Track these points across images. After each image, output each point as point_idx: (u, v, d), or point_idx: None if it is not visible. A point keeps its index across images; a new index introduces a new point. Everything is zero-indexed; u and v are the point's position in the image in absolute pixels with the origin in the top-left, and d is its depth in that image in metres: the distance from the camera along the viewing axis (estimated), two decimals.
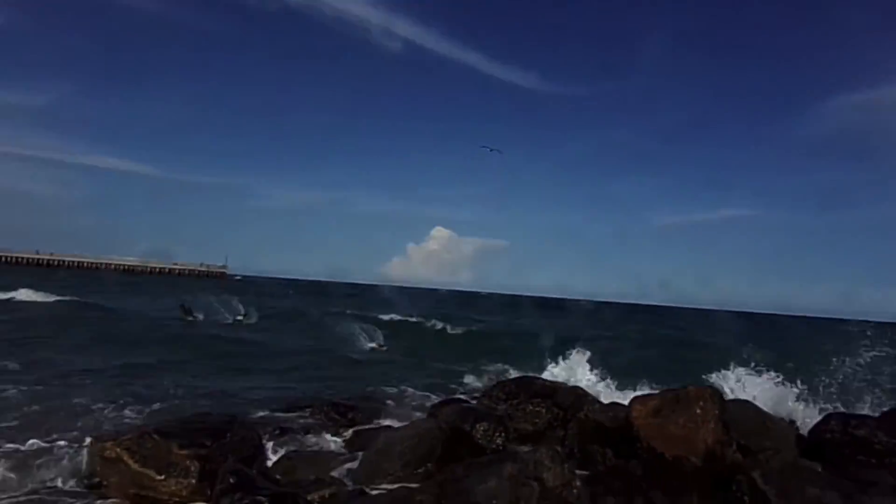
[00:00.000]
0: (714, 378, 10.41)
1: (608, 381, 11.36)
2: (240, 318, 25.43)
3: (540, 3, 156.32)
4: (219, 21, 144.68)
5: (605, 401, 8.86)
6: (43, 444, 6.86)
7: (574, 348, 12.08)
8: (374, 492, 5.38)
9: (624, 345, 24.22)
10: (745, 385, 9.92)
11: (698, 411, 6.08)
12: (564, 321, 38.79)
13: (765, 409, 7.82)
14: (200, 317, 24.13)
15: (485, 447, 7.18)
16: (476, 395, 10.47)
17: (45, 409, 8.32)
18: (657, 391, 7.13)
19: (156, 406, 9.00)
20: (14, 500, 5.32)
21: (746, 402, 8.03)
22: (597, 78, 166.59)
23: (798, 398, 9.25)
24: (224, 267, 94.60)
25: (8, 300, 24.41)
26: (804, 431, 7.93)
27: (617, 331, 33.41)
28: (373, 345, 19.60)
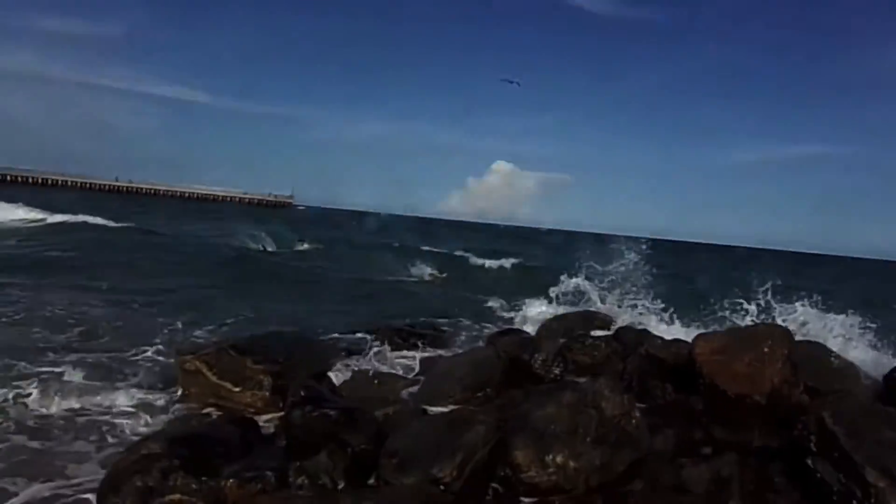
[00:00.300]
0: (781, 319, 10.07)
1: (666, 317, 11.18)
2: (302, 246, 26.23)
3: None
4: None
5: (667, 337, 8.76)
6: (129, 356, 7.43)
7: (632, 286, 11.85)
8: (435, 411, 5.60)
9: (685, 284, 23.69)
10: (816, 326, 9.55)
11: (766, 350, 5.92)
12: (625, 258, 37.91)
13: (836, 351, 7.54)
14: (266, 246, 25.00)
15: (542, 377, 7.29)
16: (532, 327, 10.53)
17: (128, 325, 8.94)
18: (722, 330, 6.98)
19: (228, 324, 9.52)
20: (106, 405, 5.82)
21: (817, 343, 7.76)
22: (671, 3, 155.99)
23: (874, 343, 8.85)
24: (290, 197, 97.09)
25: (83, 223, 25.72)
26: (879, 377, 7.63)
27: (678, 269, 32.62)
28: (428, 277, 19.99)
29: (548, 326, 9.92)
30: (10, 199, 29.61)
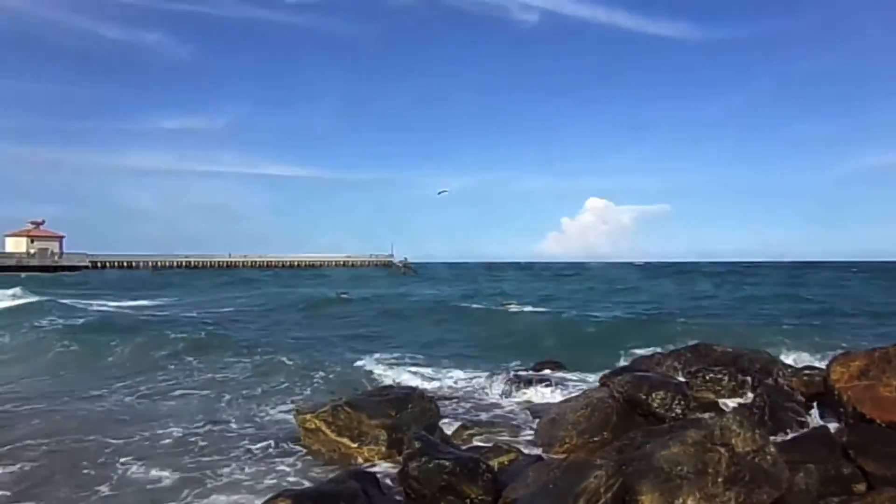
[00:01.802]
0: None
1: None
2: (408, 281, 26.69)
3: None
4: (354, 24, 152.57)
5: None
6: (257, 412, 7.87)
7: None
8: (551, 458, 5.46)
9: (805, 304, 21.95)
10: None
11: None
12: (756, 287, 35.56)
13: None
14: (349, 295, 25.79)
15: (662, 416, 6.93)
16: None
17: (251, 381, 9.47)
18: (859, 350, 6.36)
19: (334, 375, 9.86)
20: (242, 456, 6.17)
21: None
22: (753, 18, 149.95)
23: None
24: (391, 256, 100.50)
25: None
26: None
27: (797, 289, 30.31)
28: (527, 319, 19.71)
29: (662, 362, 9.46)
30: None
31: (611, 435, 6.16)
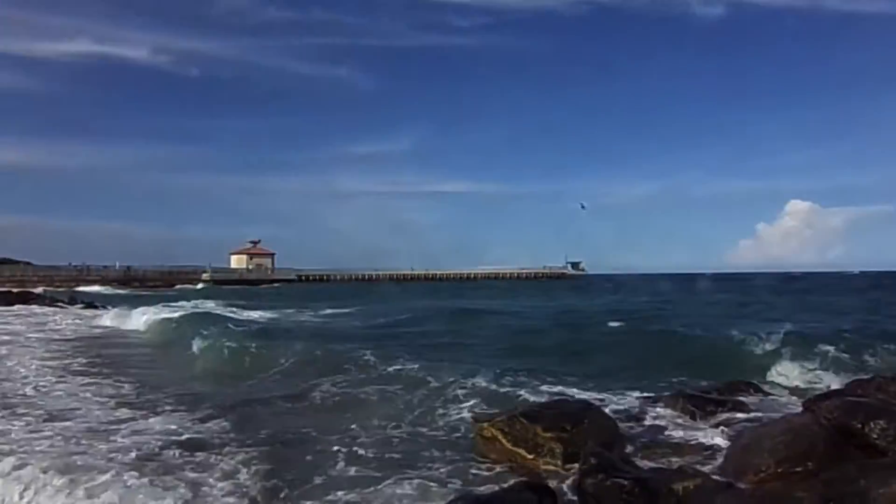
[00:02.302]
0: None
1: None
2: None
3: None
4: (523, 39, 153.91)
5: None
6: (434, 416, 8.27)
7: None
8: (744, 486, 5.01)
9: None
10: None
11: None
12: None
13: None
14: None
15: (884, 449, 6.00)
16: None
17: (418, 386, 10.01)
18: None
19: (508, 387, 9.96)
20: (419, 461, 6.53)
21: None
22: None
23: None
24: (564, 268, 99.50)
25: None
26: None
27: None
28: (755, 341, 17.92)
29: (884, 387, 8.18)
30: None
31: (816, 466, 5.47)
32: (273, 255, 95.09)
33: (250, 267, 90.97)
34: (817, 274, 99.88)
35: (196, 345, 15.58)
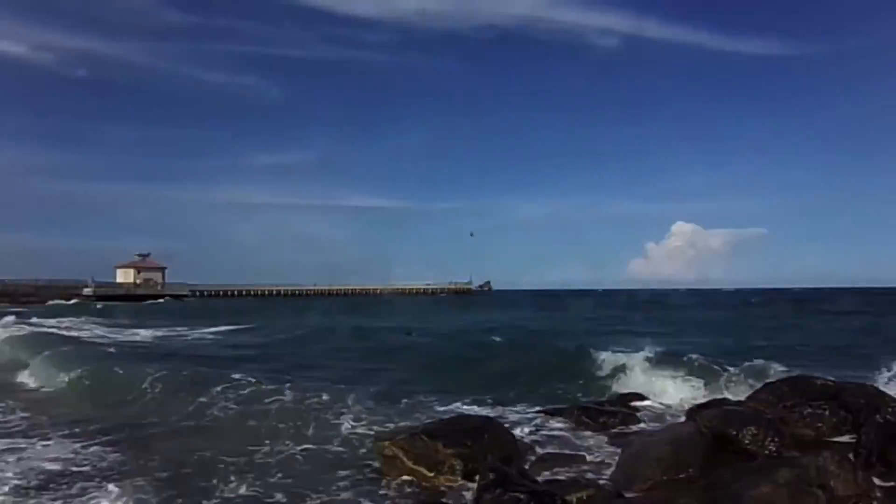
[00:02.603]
0: None
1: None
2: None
3: None
4: (434, 58, 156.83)
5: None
6: (331, 436, 8.07)
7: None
8: (633, 495, 5.24)
9: None
10: None
11: None
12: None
13: None
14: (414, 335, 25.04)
15: (755, 453, 6.52)
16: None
17: (323, 408, 9.72)
18: None
19: (404, 405, 9.95)
20: (321, 483, 6.33)
21: None
22: (849, 31, 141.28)
23: None
24: (469, 283, 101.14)
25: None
26: None
27: None
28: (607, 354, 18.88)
29: (755, 397, 8.90)
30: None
31: (697, 472, 5.84)
32: (164, 269, 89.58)
33: (138, 281, 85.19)
34: (699, 291, 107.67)
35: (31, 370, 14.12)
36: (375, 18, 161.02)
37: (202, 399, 10.13)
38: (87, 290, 76.24)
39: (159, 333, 25.87)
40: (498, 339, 19.79)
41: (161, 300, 73.72)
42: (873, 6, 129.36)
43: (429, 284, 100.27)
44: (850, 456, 5.34)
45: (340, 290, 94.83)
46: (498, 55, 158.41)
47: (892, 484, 5.20)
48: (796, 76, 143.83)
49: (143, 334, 25.35)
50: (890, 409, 7.14)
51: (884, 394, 7.76)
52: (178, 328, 28.57)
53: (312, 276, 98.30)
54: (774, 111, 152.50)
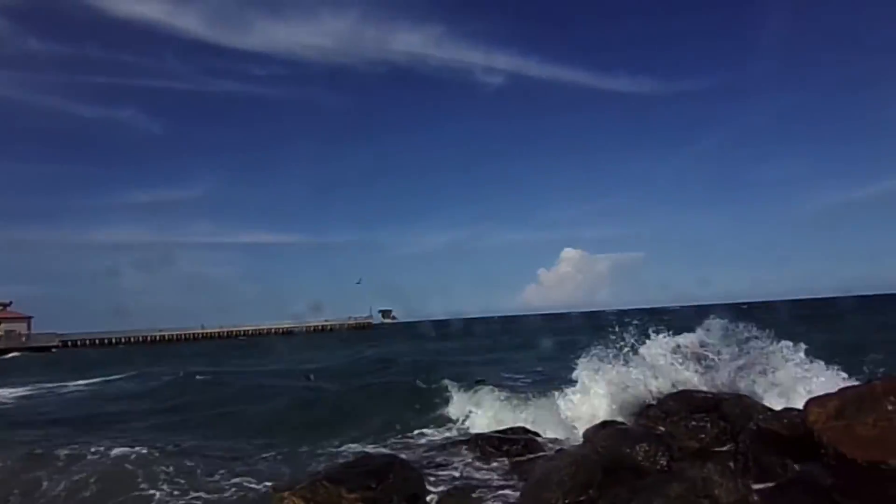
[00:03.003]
0: None
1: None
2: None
3: (643, 10, 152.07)
4: (324, 94, 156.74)
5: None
6: (226, 488, 7.55)
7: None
8: None
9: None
10: None
11: (890, 408, 5.39)
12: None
13: None
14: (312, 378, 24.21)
15: (648, 469, 6.84)
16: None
17: (212, 459, 9.11)
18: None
19: (305, 453, 9.58)
20: None
21: None
22: (712, 70, 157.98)
23: None
24: (370, 318, 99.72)
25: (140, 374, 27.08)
26: None
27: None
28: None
29: (646, 414, 9.39)
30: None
31: (597, 493, 6.01)
32: (29, 318, 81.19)
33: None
34: (585, 313, 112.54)
35: None
36: (262, 52, 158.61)
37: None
38: None
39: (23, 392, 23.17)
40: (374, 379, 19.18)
41: (11, 355, 65.33)
42: (729, 48, 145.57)
43: (327, 321, 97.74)
44: (731, 464, 5.76)
45: (232, 331, 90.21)
46: (387, 90, 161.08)
47: (767, 485, 5.66)
48: (663, 111, 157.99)
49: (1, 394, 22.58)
50: (761, 417, 7.80)
51: (756, 403, 8.44)
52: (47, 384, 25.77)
53: (203, 318, 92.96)
54: (648, 143, 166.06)
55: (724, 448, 7.58)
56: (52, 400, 20.96)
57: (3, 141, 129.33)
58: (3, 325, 78.21)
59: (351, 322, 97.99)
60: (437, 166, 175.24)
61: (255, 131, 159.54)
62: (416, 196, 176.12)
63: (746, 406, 8.20)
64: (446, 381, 13.86)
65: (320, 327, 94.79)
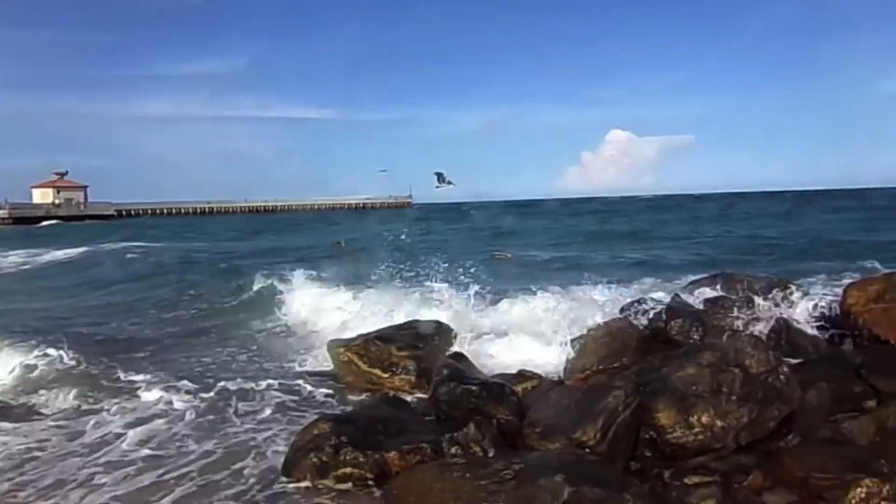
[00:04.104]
0: None
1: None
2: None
3: None
4: None
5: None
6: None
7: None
8: (571, 383, 5.74)
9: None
10: None
11: None
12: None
13: None
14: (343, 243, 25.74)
15: (681, 343, 7.15)
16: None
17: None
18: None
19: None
20: (276, 381, 6.59)
21: None
22: None
23: None
24: (409, 197, 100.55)
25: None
26: None
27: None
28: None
29: (683, 292, 9.62)
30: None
31: (630, 361, 6.40)
32: (86, 187, 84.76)
33: (58, 202, 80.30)
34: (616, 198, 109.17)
35: None
36: None
37: None
38: (1, 213, 71.53)
39: None
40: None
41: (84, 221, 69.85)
42: None
43: (367, 198, 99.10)
44: (761, 339, 5.97)
45: (274, 206, 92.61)
46: None
47: (797, 361, 5.92)
48: None
49: None
50: (797, 299, 7.93)
51: (793, 285, 8.54)
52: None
53: (245, 192, 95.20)
54: (702, 16, 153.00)
55: (759, 327, 7.80)
56: None
57: (53, 10, 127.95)
58: (62, 193, 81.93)
59: (391, 200, 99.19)
60: (480, 40, 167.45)
61: (294, 1, 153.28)
62: (457, 71, 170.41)
63: (783, 288, 8.31)
64: None
65: (361, 204, 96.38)
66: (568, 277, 12.17)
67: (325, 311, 9.95)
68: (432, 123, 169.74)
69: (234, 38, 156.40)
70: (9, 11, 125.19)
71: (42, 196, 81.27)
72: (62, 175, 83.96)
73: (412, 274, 10.35)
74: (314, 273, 12.25)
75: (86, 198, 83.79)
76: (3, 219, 69.72)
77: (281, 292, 11.30)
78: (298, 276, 11.78)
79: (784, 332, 6.93)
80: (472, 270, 9.82)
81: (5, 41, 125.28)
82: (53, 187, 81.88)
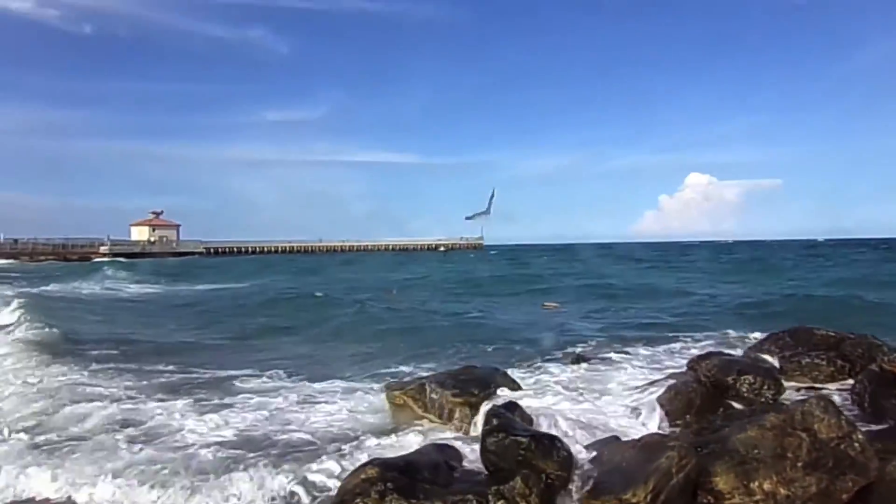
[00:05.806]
0: None
1: None
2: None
3: None
4: (444, 10, 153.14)
5: None
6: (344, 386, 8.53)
7: None
8: (628, 440, 5.52)
9: None
10: None
11: None
12: None
13: None
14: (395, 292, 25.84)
15: (752, 401, 6.77)
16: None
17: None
18: None
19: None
20: (335, 425, 6.71)
21: None
22: None
23: None
24: (480, 238, 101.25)
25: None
26: None
27: None
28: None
29: (757, 348, 9.13)
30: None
31: (693, 419, 6.12)
32: (178, 226, 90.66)
33: (153, 239, 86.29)
34: (706, 243, 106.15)
35: None
36: None
37: None
38: (103, 248, 77.45)
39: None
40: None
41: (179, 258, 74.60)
42: None
43: (439, 240, 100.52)
44: (833, 399, 5.56)
45: (346, 246, 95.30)
46: (505, 4, 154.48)
47: (883, 426, 5.46)
48: (806, 20, 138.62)
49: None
50: (885, 358, 7.36)
51: (881, 343, 7.94)
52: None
53: (319, 233, 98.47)
54: (787, 57, 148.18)
55: (839, 387, 7.28)
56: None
57: (149, 62, 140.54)
58: (157, 231, 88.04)
59: (462, 241, 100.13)
60: (555, 84, 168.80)
61: (375, 50, 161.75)
62: (532, 116, 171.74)
63: (868, 346, 7.75)
64: None
65: (434, 245, 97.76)
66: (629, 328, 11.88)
67: None
68: (505, 167, 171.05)
69: (315, 88, 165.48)
70: (112, 66, 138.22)
71: (139, 233, 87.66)
72: (158, 214, 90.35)
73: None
74: None
75: (178, 236, 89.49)
76: (105, 253, 75.48)
77: None
78: None
79: (868, 394, 6.43)
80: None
81: (110, 93, 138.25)
82: (150, 225, 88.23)
